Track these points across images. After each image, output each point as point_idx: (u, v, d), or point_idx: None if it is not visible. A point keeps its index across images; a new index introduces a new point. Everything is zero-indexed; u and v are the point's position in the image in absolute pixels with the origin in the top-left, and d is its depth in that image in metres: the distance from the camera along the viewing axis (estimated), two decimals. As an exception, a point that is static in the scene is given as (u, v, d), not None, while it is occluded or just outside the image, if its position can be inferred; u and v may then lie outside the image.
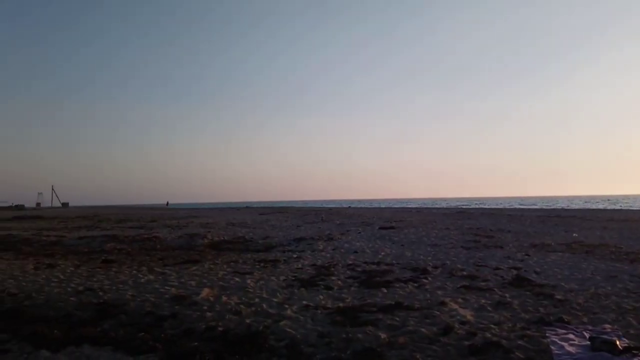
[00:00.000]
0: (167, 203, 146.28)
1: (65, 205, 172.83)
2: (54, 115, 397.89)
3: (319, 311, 6.86)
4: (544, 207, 57.17)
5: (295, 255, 13.47)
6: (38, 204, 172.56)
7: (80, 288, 8.79)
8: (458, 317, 6.36)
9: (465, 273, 9.88)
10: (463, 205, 77.20)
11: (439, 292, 8.02)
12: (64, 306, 7.52)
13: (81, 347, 5.56)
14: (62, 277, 10.13)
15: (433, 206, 72.68)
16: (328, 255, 13.49)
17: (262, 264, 11.75)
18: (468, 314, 6.53)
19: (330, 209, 58.74)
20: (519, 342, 5.30)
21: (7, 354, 5.49)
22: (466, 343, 5.27)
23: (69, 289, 8.74)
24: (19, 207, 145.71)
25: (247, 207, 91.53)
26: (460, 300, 7.44)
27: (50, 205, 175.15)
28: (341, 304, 7.27)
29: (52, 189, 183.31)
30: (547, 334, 5.56)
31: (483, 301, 7.36)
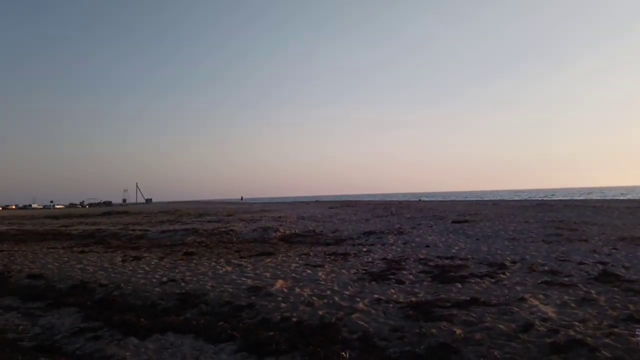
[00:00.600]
0: (242, 198, 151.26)
1: (148, 201, 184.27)
2: (142, 117, 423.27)
3: (391, 305, 6.82)
4: (636, 198, 52.82)
5: (365, 249, 13.47)
6: (124, 201, 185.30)
7: (164, 279, 9.34)
8: (539, 314, 6.08)
9: (546, 268, 9.40)
10: (542, 197, 73.13)
11: (518, 288, 7.70)
12: (150, 296, 8.04)
13: (165, 335, 5.92)
14: (147, 268, 10.82)
15: (510, 199, 69.53)
16: (399, 249, 13.36)
17: (332, 257, 11.86)
18: (550, 311, 6.22)
19: (400, 202, 57.99)
20: (606, 340, 4.98)
21: (100, 340, 5.96)
22: (548, 340, 5.03)
23: (153, 280, 9.32)
24: (107, 204, 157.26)
25: (316, 201, 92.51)
26: (541, 296, 7.10)
27: (135, 201, 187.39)
28: (414, 299, 7.19)
29: (137, 186, 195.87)
30: (637, 332, 5.18)
31: (566, 297, 6.97)
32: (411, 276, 9.05)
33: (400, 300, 7.13)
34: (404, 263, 10.61)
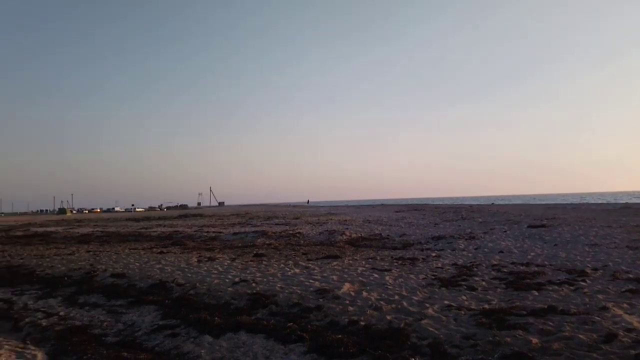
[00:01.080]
0: (308, 201, 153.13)
1: (221, 204, 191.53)
2: (222, 125, 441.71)
3: (462, 312, 6.63)
4: None
5: (434, 254, 13.18)
6: (199, 204, 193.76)
7: (236, 279, 9.67)
8: (623, 324, 5.66)
9: (631, 276, 8.73)
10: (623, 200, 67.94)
11: (600, 296, 7.21)
12: (223, 295, 8.35)
13: (238, 334, 6.13)
14: (220, 269, 11.24)
15: (592, 201, 65.21)
16: (470, 254, 12.96)
17: (400, 262, 11.71)
18: (635, 321, 5.77)
19: (471, 206, 56.14)
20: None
21: (177, 337, 6.28)
22: (632, 352, 4.67)
23: (226, 280, 9.67)
24: (183, 207, 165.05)
25: (382, 204, 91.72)
26: (625, 305, 6.61)
27: (208, 204, 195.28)
28: (486, 306, 6.94)
29: (210, 190, 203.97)
30: None
31: (655, 308, 6.45)
32: (484, 283, 8.74)
33: (472, 307, 6.90)
34: (475, 269, 10.26)
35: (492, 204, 72.36)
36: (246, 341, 5.85)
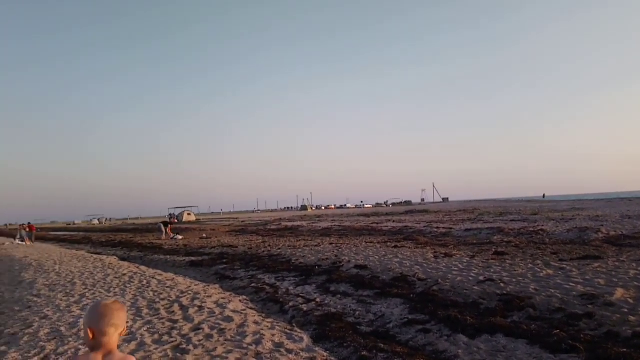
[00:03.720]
0: (544, 195, 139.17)
1: (445, 200, 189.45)
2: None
3: None
4: None
5: None
6: (422, 200, 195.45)
7: (481, 278, 9.11)
8: None
9: None
10: None
11: None
12: (470, 294, 7.92)
13: (495, 336, 5.66)
14: (460, 266, 10.81)
15: None
16: None
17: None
18: None
19: None
20: None
21: (429, 333, 6.12)
22: None
23: (470, 278, 9.20)
24: (408, 203, 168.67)
25: (642, 197, 77.11)
26: None
27: (432, 200, 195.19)
28: None
29: (433, 186, 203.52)
30: None
31: None
32: None
33: None
34: None
35: None
36: (506, 345, 5.35)
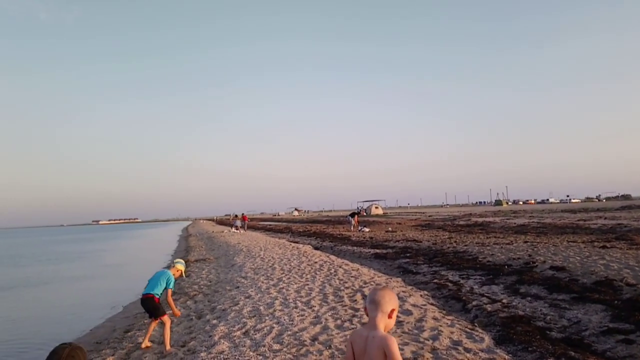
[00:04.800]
0: None
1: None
2: None
3: None
4: None
5: None
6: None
7: None
8: None
9: None
10: None
11: None
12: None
13: None
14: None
15: None
16: None
17: None
18: None
19: None
20: None
21: (632, 345, 5.42)
22: None
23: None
24: (626, 197, 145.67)
25: None
26: None
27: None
28: None
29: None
30: None
31: None
32: None
33: None
34: None
35: None
36: None
